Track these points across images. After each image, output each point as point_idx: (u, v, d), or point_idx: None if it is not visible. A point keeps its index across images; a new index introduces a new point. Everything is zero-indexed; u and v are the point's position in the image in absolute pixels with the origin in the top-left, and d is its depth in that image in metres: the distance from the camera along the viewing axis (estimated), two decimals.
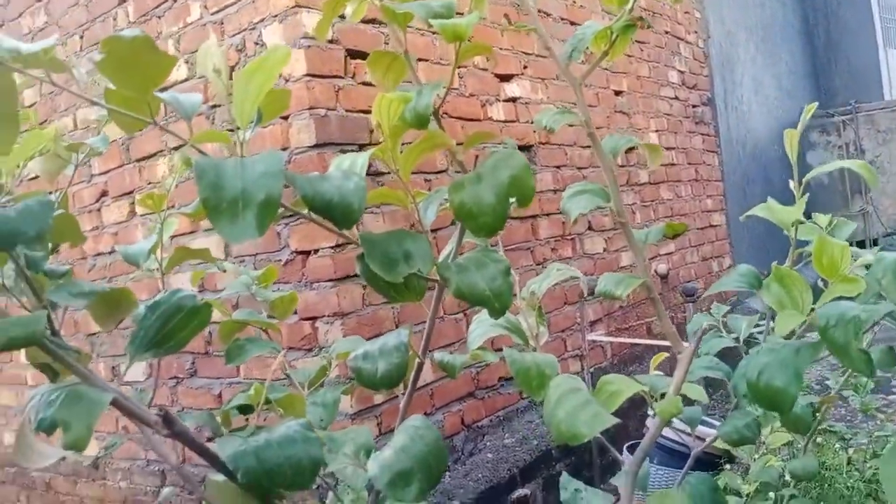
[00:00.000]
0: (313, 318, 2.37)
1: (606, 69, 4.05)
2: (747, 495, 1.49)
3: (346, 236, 0.60)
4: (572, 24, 3.74)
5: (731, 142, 5.85)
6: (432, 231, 0.68)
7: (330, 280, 2.33)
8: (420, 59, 2.77)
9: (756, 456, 1.57)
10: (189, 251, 0.87)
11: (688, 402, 0.82)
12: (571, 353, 3.42)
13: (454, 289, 0.61)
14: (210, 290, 2.57)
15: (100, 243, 3.10)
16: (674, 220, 1.23)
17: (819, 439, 2.17)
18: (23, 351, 0.57)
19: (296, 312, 2.35)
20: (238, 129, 0.57)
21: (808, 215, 0.90)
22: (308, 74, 2.34)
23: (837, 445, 2.19)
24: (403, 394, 0.74)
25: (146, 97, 0.56)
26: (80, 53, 3.13)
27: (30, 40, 0.66)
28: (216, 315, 0.76)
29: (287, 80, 2.35)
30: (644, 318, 3.87)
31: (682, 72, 5.06)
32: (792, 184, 0.86)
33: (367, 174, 0.62)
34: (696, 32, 5.39)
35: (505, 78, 3.28)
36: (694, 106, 5.18)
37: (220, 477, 0.57)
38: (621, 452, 1.79)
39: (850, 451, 2.15)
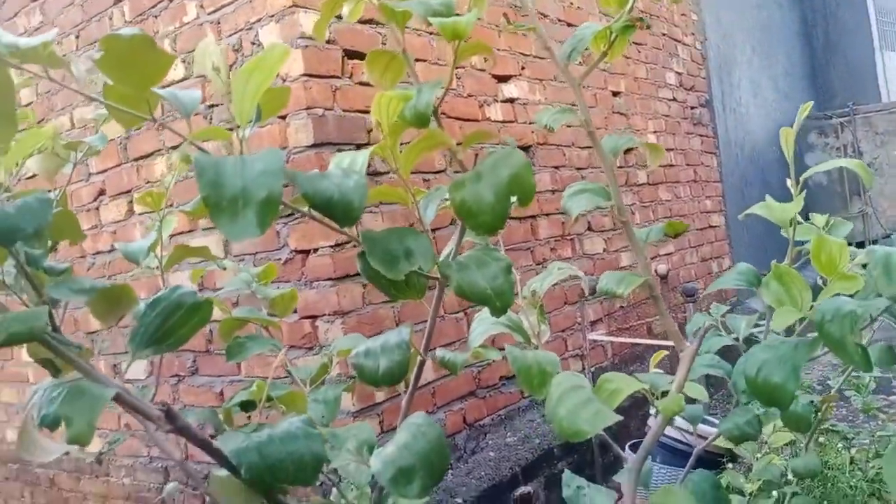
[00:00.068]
0: (313, 317, 2.37)
1: (604, 70, 4.06)
2: (750, 494, 1.49)
3: (347, 234, 0.60)
4: (569, 25, 3.75)
5: (730, 143, 5.86)
6: (431, 230, 0.68)
7: (329, 279, 2.33)
8: (417, 60, 2.77)
9: (758, 455, 1.57)
10: (189, 249, 0.87)
11: (689, 400, 0.82)
12: (572, 352, 3.43)
13: (455, 287, 0.61)
14: (210, 288, 2.57)
15: (98, 242, 3.10)
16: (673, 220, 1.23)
17: (821, 439, 2.17)
18: (24, 348, 0.57)
19: (296, 311, 2.35)
20: (237, 127, 0.57)
21: (806, 217, 0.90)
22: (305, 74, 2.34)
23: (840, 445, 2.19)
24: (405, 392, 0.74)
25: (145, 94, 0.56)
26: (76, 53, 3.13)
27: None
28: (217, 313, 0.76)
29: (284, 80, 2.35)
30: (645, 318, 3.87)
31: (679, 73, 5.07)
32: (789, 182, 0.86)
33: (366, 174, 0.62)
34: (693, 34, 5.40)
35: (503, 79, 3.29)
36: (692, 107, 5.19)
37: (224, 472, 0.57)
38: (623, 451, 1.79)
39: (853, 450, 2.14)
